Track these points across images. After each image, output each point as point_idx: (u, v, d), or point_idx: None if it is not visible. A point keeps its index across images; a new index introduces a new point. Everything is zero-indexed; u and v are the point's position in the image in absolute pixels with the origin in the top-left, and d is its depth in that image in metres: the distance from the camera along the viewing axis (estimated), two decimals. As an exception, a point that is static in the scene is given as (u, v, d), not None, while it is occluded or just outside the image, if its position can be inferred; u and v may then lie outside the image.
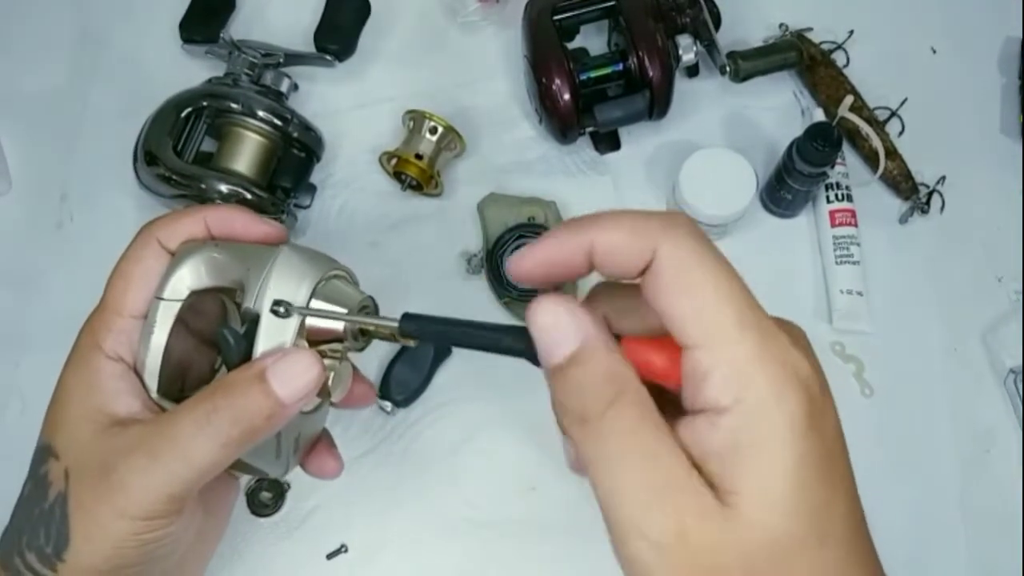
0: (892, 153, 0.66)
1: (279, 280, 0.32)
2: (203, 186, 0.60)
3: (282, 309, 0.31)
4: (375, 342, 0.34)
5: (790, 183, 0.62)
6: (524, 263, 0.28)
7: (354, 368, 0.36)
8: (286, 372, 0.30)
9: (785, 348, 0.24)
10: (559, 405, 0.26)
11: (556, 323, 0.26)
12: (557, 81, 0.62)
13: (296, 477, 0.42)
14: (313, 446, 0.38)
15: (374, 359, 0.62)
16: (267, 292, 0.31)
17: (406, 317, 0.30)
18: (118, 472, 0.30)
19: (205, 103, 0.62)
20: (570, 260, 0.27)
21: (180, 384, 0.35)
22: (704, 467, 0.24)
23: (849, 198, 0.65)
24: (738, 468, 0.23)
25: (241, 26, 0.72)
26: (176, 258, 0.34)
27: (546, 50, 0.63)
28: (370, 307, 0.34)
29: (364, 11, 0.69)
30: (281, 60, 0.66)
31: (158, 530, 0.30)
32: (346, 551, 0.58)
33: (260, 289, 0.32)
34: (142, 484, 0.30)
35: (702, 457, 0.24)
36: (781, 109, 0.70)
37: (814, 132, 0.59)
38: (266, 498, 0.59)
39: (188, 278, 0.33)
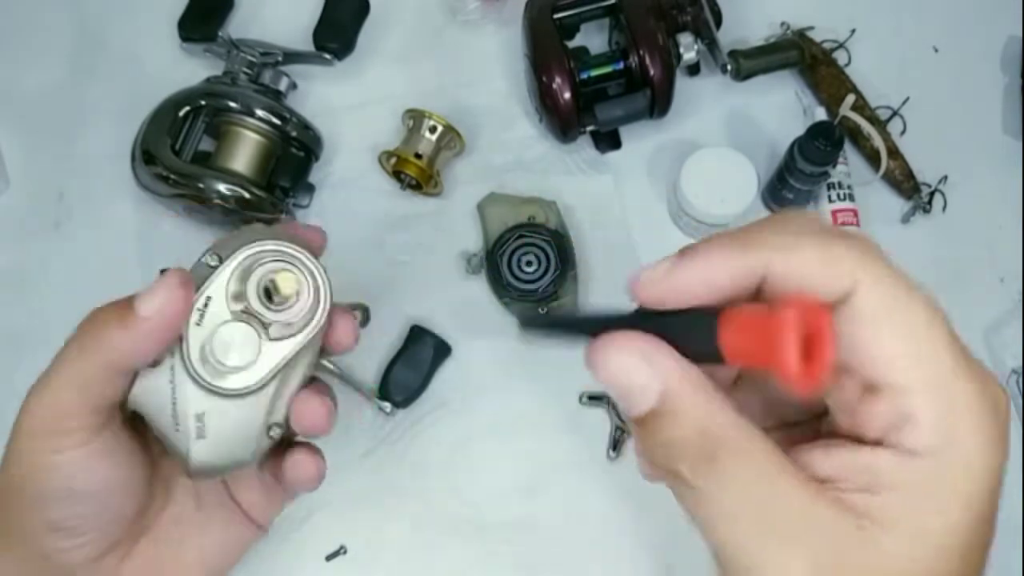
0: (894, 152, 0.66)
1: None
2: (201, 185, 0.60)
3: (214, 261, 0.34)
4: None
5: (792, 182, 0.62)
6: (669, 282, 0.23)
7: (333, 305, 0.34)
8: (148, 291, 0.31)
9: (998, 397, 0.23)
10: (646, 456, 0.23)
11: (629, 372, 0.22)
12: (557, 80, 0.62)
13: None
14: (281, 449, 0.36)
15: (374, 359, 0.62)
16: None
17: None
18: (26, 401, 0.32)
19: (203, 102, 0.62)
20: (732, 284, 0.23)
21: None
22: (858, 492, 0.22)
23: (851, 197, 0.65)
24: (911, 507, 0.22)
25: (239, 25, 0.72)
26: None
27: (546, 49, 0.63)
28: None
29: (363, 9, 0.69)
30: (280, 59, 0.66)
31: (46, 449, 0.31)
32: (345, 552, 0.58)
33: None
34: (27, 400, 0.32)
35: (862, 484, 0.22)
36: (783, 108, 0.70)
37: (816, 131, 0.59)
38: (265, 499, 0.58)
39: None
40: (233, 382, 0.33)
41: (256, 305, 0.33)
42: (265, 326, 0.33)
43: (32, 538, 0.32)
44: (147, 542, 0.35)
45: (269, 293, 0.33)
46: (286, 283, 0.32)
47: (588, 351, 0.23)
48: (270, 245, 0.34)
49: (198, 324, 0.33)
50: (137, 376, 0.33)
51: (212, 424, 0.33)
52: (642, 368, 0.22)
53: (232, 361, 0.32)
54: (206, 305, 0.33)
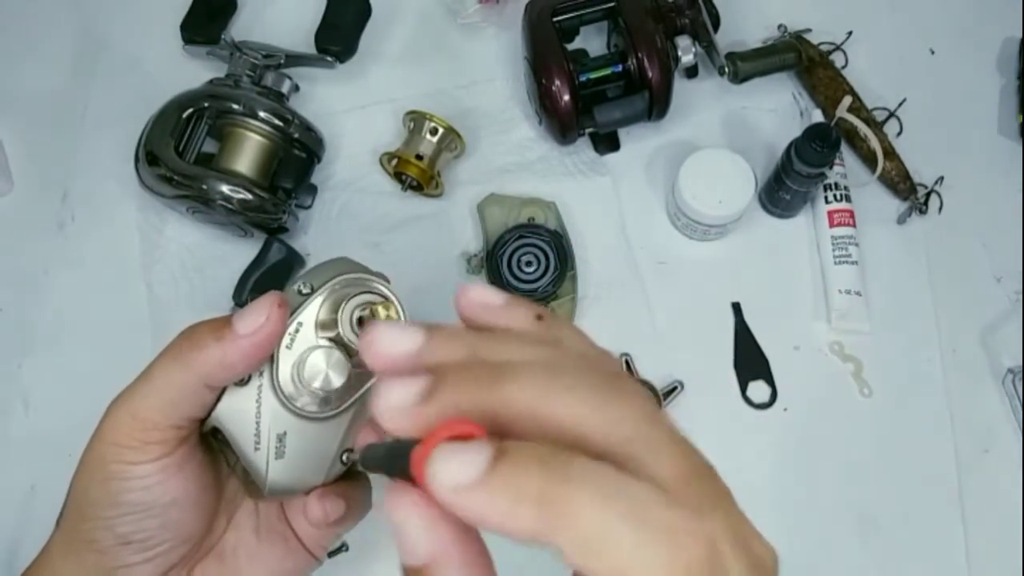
0: (890, 153, 0.66)
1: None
2: (204, 187, 0.60)
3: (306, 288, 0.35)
4: None
5: (789, 184, 0.62)
6: (416, 419, 0.21)
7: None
8: (247, 311, 0.32)
9: None
10: None
11: (407, 526, 0.21)
12: (557, 82, 0.63)
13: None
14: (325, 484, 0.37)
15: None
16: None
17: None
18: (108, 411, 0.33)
19: (206, 104, 0.63)
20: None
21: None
22: None
23: (847, 198, 0.66)
24: None
25: (242, 27, 0.72)
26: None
27: (546, 51, 0.63)
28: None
29: (365, 12, 0.69)
30: (282, 61, 0.66)
31: (124, 461, 0.32)
32: (347, 550, 0.58)
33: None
34: (111, 410, 0.32)
35: None
36: (780, 110, 0.70)
37: (812, 133, 0.59)
38: (267, 497, 0.59)
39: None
40: (317, 405, 0.34)
41: (347, 333, 0.34)
42: (350, 355, 0.34)
43: (100, 551, 0.32)
44: (208, 565, 0.36)
45: (362, 322, 0.34)
46: (385, 313, 0.33)
47: (388, 493, 0.21)
48: (357, 276, 0.35)
49: (288, 348, 0.34)
50: (223, 394, 0.34)
51: (292, 445, 0.34)
52: (420, 527, 0.21)
53: (321, 385, 0.34)
54: (297, 331, 0.34)
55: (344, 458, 0.35)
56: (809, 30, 0.71)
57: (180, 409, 0.32)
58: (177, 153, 0.61)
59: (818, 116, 0.67)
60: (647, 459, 0.21)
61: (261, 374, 0.34)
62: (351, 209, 0.68)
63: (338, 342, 0.34)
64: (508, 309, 0.25)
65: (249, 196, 0.61)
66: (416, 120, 0.65)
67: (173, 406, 0.32)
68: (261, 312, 0.32)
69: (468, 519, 0.20)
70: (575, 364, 0.23)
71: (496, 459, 0.19)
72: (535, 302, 0.62)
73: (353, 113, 0.70)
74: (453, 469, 0.19)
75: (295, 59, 0.67)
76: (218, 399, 0.33)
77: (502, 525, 0.19)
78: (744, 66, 0.66)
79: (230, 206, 0.60)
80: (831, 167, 0.61)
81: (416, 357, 0.23)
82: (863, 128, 0.65)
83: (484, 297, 0.25)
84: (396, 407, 0.21)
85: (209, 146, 0.64)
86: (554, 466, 0.19)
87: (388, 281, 0.36)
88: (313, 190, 0.66)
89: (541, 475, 0.19)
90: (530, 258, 0.63)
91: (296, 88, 0.67)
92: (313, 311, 0.34)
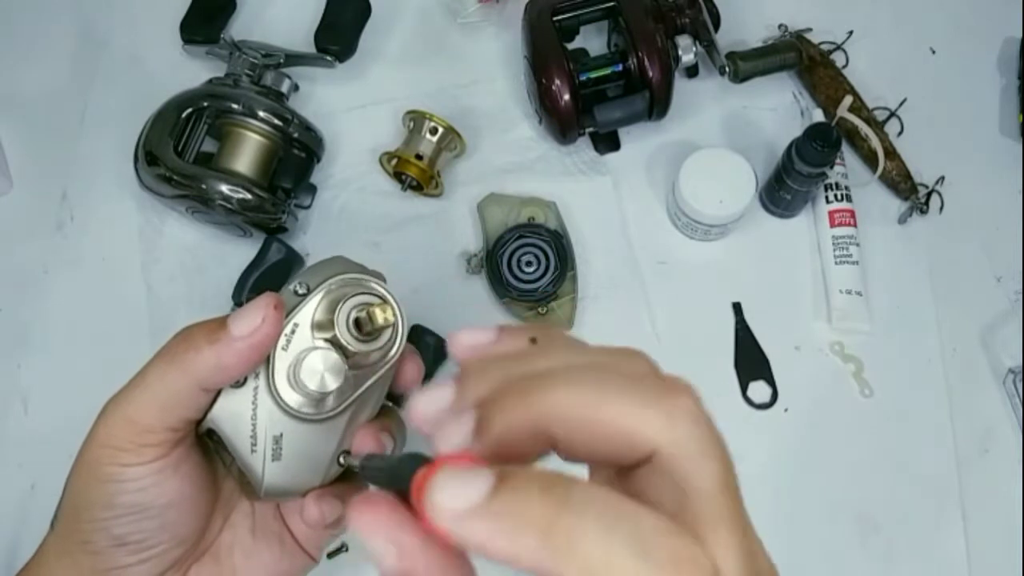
0: (891, 153, 0.66)
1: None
2: (204, 186, 0.60)
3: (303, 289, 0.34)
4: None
5: (789, 183, 0.62)
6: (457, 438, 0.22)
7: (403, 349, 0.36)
8: (242, 312, 0.32)
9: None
10: None
11: (375, 531, 0.20)
12: (557, 82, 0.63)
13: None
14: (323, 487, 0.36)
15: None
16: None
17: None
18: (102, 414, 0.33)
19: (206, 103, 0.63)
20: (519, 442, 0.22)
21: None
22: None
23: (848, 198, 0.65)
24: None
25: (242, 27, 0.72)
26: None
27: (546, 51, 0.63)
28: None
29: (364, 12, 0.69)
30: (281, 61, 0.66)
31: (119, 463, 0.32)
32: (347, 551, 0.58)
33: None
34: (106, 412, 0.32)
35: None
36: (780, 109, 0.70)
37: (813, 132, 0.59)
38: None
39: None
40: (314, 407, 0.34)
41: (344, 334, 0.33)
42: (347, 356, 0.34)
43: (95, 552, 0.32)
44: (203, 566, 0.36)
45: (359, 324, 0.34)
46: (382, 314, 0.33)
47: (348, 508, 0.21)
48: (354, 276, 0.35)
49: (284, 349, 0.34)
50: (219, 396, 0.33)
51: (288, 447, 0.34)
52: (388, 531, 0.20)
53: (317, 386, 0.33)
54: (293, 332, 0.34)
55: (341, 459, 0.35)
56: (810, 29, 0.71)
57: (175, 411, 0.32)
58: (176, 153, 0.61)
59: (819, 116, 0.67)
60: (697, 464, 0.21)
61: (257, 376, 0.34)
62: (351, 209, 0.68)
63: (334, 343, 0.34)
64: (500, 343, 0.25)
65: (248, 196, 0.61)
66: (416, 120, 0.65)
67: (168, 408, 0.32)
68: (257, 314, 0.31)
69: (470, 547, 0.19)
70: (609, 366, 0.23)
71: (497, 485, 0.19)
72: (535, 302, 0.62)
73: (353, 113, 0.70)
74: (453, 495, 0.19)
75: (294, 58, 0.67)
76: (214, 401, 0.33)
77: (504, 553, 0.19)
78: (744, 65, 0.66)
79: (229, 206, 0.60)
80: (832, 167, 0.61)
81: (454, 405, 0.23)
82: (864, 128, 0.65)
83: (473, 338, 0.25)
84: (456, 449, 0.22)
85: (208, 146, 0.64)
86: (556, 492, 0.19)
87: (384, 280, 0.36)
88: (312, 190, 0.66)
89: (542, 501, 0.19)
90: (530, 258, 0.63)
91: (296, 88, 0.67)
92: (309, 312, 0.34)
